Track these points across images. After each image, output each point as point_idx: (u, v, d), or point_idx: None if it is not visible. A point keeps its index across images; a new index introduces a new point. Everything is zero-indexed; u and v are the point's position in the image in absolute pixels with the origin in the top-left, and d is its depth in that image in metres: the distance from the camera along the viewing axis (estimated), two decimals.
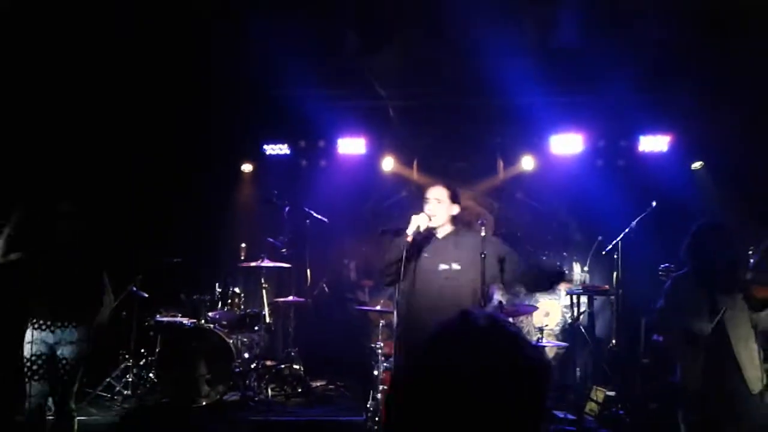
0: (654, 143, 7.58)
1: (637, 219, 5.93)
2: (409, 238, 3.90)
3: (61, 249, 4.31)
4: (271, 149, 8.16)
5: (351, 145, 8.02)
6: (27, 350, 4.22)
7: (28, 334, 4.24)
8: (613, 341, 6.37)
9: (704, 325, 3.72)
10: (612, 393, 5.93)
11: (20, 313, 4.33)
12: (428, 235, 4.09)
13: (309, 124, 7.74)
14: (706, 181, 7.26)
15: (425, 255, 4.06)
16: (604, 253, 6.30)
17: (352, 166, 8.03)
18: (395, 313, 4.14)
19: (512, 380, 1.19)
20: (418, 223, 3.94)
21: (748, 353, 3.72)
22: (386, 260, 4.06)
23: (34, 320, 4.24)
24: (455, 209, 4.15)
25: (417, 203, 7.96)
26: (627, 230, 6.01)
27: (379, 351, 5.20)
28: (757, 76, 6.14)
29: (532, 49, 6.29)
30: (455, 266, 3.98)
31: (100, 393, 6.08)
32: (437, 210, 4.06)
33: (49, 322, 4.23)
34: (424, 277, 4.00)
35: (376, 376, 5.12)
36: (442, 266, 3.99)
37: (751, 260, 3.71)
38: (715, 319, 3.68)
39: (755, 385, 3.68)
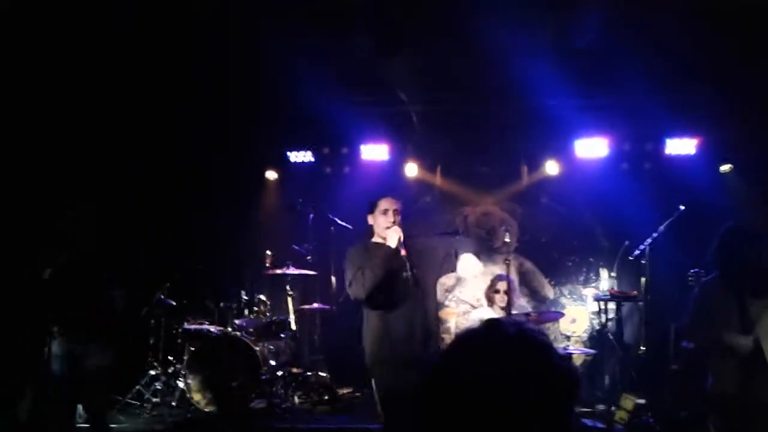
0: (681, 146, 7.47)
1: (665, 223, 5.85)
2: (402, 251, 4.16)
3: (71, 258, 4.38)
4: (295, 156, 8.20)
5: (374, 152, 8.02)
6: (54, 362, 4.28)
7: (54, 345, 4.30)
8: (642, 348, 6.27)
9: (741, 338, 3.65)
10: (641, 401, 5.84)
11: (43, 323, 4.41)
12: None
13: (332, 130, 7.77)
14: (735, 184, 7.13)
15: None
16: (631, 258, 6.22)
17: (375, 172, 8.02)
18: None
19: (539, 389, 1.19)
20: (398, 235, 4.18)
21: None
22: (376, 279, 4.17)
23: (57, 330, 4.30)
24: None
25: (441, 208, 8.08)
26: (655, 235, 5.93)
27: None
28: None
29: (554, 52, 6.25)
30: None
31: (129, 401, 6.15)
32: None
33: (71, 332, 4.28)
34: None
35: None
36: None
37: None
38: (754, 333, 3.61)
39: None
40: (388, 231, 4.22)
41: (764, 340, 3.62)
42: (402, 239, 4.16)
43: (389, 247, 4.15)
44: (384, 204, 4.34)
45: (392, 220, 4.28)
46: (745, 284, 3.72)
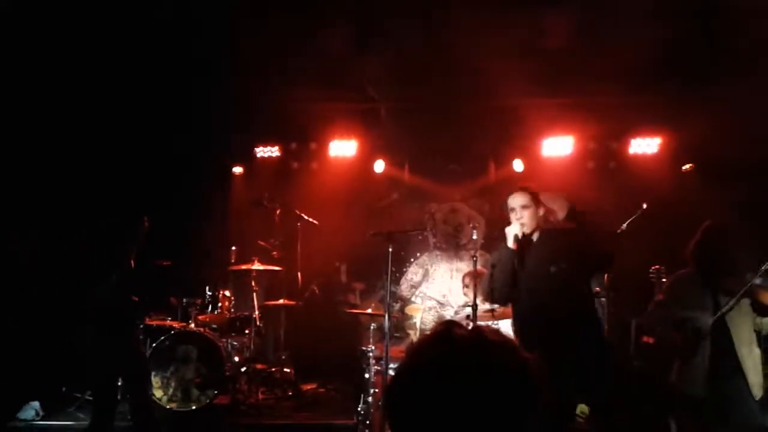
0: (644, 145, 7.61)
1: (628, 221, 5.94)
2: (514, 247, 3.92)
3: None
4: (262, 151, 8.14)
5: (342, 147, 8.00)
6: None
7: None
8: None
9: (705, 319, 3.70)
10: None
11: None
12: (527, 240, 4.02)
13: (300, 126, 7.72)
14: (696, 182, 7.27)
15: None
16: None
17: (343, 168, 8.01)
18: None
19: (499, 387, 1.19)
20: (514, 232, 3.94)
21: (752, 358, 3.69)
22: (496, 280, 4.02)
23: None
24: (541, 211, 4.08)
25: (409, 205, 8.09)
26: (618, 232, 6.01)
27: (370, 354, 5.18)
28: (746, 76, 6.17)
29: (522, 51, 6.29)
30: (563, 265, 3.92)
31: (88, 397, 6.02)
32: (525, 216, 4.00)
33: None
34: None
35: (367, 379, 5.10)
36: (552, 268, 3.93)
37: (763, 267, 3.65)
38: (717, 313, 3.66)
39: (757, 390, 3.65)
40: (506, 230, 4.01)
41: (735, 335, 3.66)
42: (520, 235, 3.92)
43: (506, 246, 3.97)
44: (509, 202, 4.08)
45: (518, 217, 4.00)
46: (719, 281, 3.77)
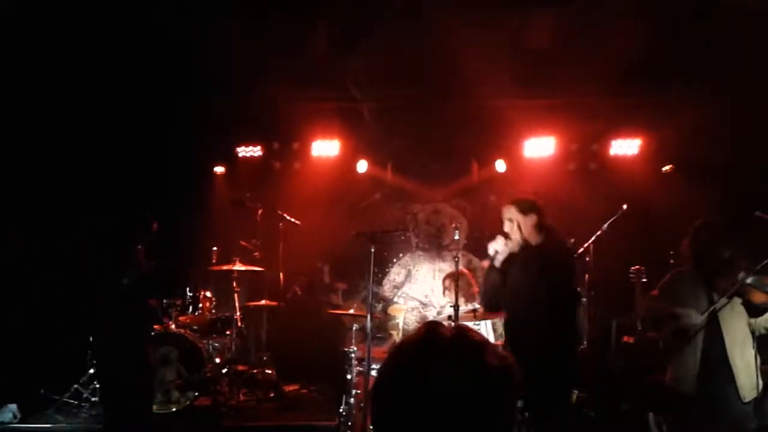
0: (625, 146, 7.68)
1: (608, 222, 5.99)
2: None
3: None
4: (244, 151, 8.09)
5: (325, 147, 7.98)
6: None
7: None
8: (585, 343, 6.41)
9: (693, 319, 3.69)
10: (583, 395, 5.97)
11: None
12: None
13: (283, 125, 7.69)
14: (676, 183, 7.36)
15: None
16: (576, 255, 6.35)
17: (326, 168, 7.98)
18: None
19: (480, 386, 1.20)
20: (494, 248, 4.05)
21: (744, 360, 3.66)
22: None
23: None
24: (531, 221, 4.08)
25: (392, 205, 8.09)
26: (598, 233, 6.06)
27: (353, 355, 5.16)
28: (725, 78, 6.25)
29: (505, 52, 6.31)
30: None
31: (67, 400, 5.96)
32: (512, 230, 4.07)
33: None
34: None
35: (349, 380, 5.08)
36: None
37: (757, 266, 3.66)
38: (707, 311, 3.66)
39: (747, 392, 3.62)
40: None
41: (727, 336, 3.64)
42: (492, 253, 4.06)
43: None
44: (503, 212, 4.14)
45: (506, 229, 4.08)
46: (713, 281, 3.77)
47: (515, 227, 4.04)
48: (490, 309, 4.57)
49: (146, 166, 7.38)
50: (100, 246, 4.58)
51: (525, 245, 4.07)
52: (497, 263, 4.06)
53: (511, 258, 4.07)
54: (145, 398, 4.64)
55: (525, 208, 4.08)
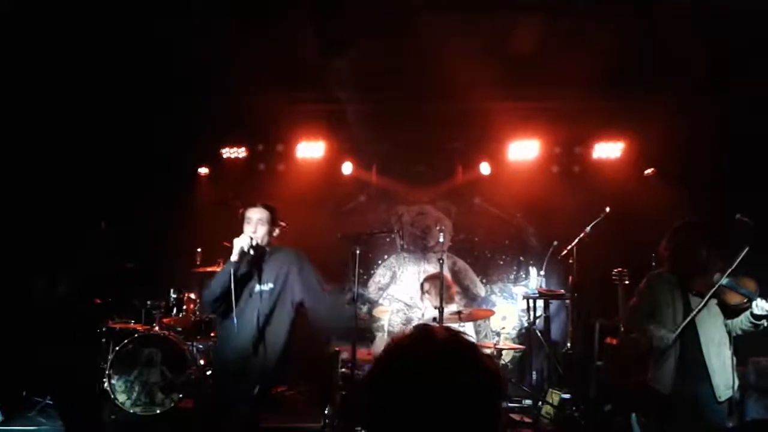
0: (607, 150, 7.76)
1: (591, 224, 6.05)
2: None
3: None
4: (229, 152, 8.05)
5: (310, 149, 7.97)
6: None
7: None
8: (568, 344, 6.47)
9: (663, 332, 3.73)
10: (567, 395, 6.02)
11: None
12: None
13: (267, 127, 7.66)
14: (658, 186, 7.45)
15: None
16: (559, 258, 6.42)
17: (310, 169, 7.97)
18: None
19: (468, 387, 1.23)
20: (240, 245, 3.89)
21: (720, 359, 3.69)
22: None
23: None
24: (276, 231, 4.15)
25: (377, 207, 8.09)
26: (581, 235, 6.12)
27: (338, 356, 5.17)
28: (705, 84, 6.34)
29: (490, 56, 6.35)
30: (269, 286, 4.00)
31: (49, 402, 5.90)
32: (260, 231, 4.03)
33: None
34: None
35: (335, 381, 5.09)
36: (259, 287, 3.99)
37: (730, 267, 3.69)
38: (688, 315, 3.69)
39: (722, 392, 3.66)
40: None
41: (703, 336, 3.69)
42: (246, 249, 3.94)
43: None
44: (247, 213, 4.14)
45: (252, 231, 4.05)
46: (689, 282, 3.81)
47: (264, 230, 4.09)
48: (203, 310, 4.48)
49: (130, 167, 7.34)
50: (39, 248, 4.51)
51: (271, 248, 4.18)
52: None
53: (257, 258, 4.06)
54: (93, 402, 4.56)
55: (274, 215, 4.20)
